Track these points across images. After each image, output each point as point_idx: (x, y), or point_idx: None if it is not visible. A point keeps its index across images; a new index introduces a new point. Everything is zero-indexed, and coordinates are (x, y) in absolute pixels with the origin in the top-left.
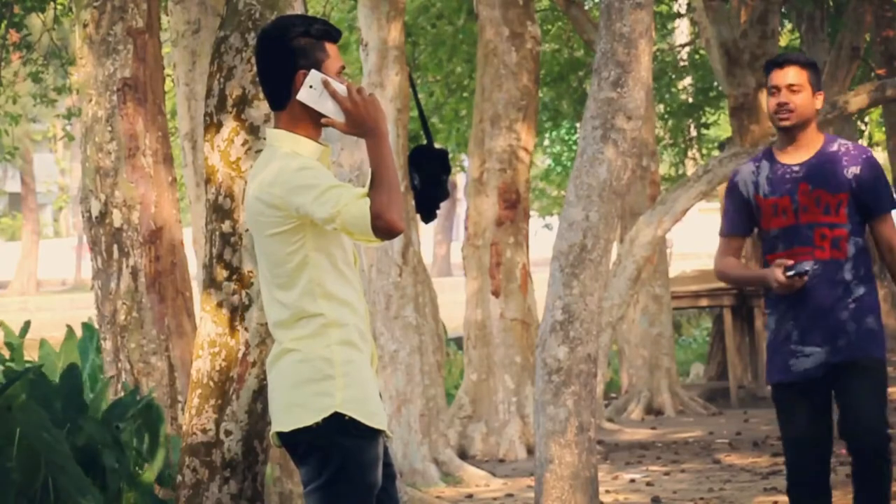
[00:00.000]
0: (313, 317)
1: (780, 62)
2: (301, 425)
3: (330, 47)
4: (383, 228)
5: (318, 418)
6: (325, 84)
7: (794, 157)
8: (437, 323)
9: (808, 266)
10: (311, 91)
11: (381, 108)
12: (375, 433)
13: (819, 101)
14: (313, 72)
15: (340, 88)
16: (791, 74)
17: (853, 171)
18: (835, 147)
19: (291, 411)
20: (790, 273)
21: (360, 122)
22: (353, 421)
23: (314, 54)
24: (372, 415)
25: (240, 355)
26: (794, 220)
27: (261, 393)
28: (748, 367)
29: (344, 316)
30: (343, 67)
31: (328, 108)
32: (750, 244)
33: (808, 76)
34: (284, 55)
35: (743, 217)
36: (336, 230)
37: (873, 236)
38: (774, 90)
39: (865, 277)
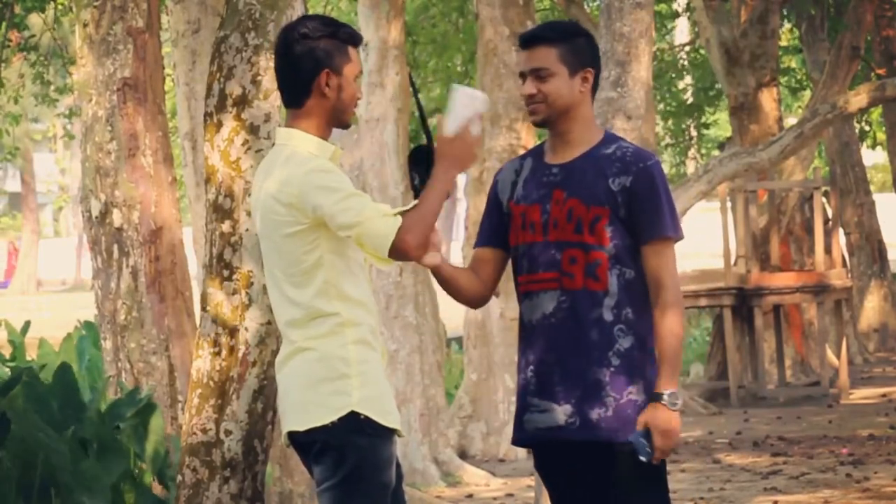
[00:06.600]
0: (328, 316)
1: (523, 41)
2: (317, 424)
3: (352, 52)
4: (402, 248)
5: (335, 417)
6: (473, 103)
7: (559, 157)
8: (437, 323)
9: None
10: (466, 102)
11: (476, 156)
12: (390, 432)
13: (582, 84)
14: (479, 93)
15: (474, 126)
16: (536, 56)
17: (621, 181)
18: (610, 149)
19: (307, 410)
20: None
21: (462, 150)
22: (368, 420)
23: (339, 57)
24: (387, 414)
25: (240, 355)
26: (542, 237)
27: (261, 393)
28: (748, 367)
29: (359, 315)
30: (361, 72)
31: (461, 120)
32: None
33: (558, 55)
34: (310, 54)
35: (495, 225)
36: (348, 238)
37: (644, 267)
38: (521, 77)
39: (635, 324)
